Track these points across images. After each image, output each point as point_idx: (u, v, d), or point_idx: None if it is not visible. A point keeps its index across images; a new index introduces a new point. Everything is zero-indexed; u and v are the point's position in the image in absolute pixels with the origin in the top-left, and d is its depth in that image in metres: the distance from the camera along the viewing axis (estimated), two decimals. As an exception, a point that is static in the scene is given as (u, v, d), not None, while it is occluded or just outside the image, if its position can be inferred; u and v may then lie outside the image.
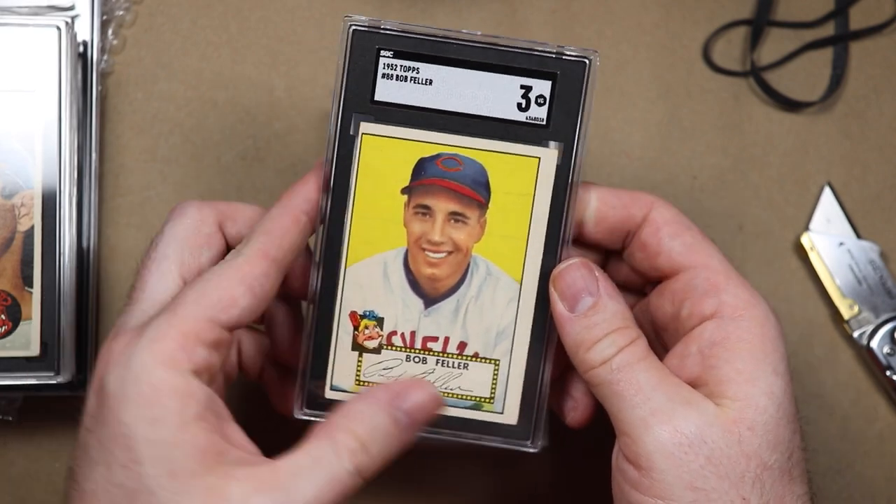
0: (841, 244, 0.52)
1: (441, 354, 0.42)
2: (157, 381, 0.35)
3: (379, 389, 0.38)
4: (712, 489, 0.36)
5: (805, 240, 0.53)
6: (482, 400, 0.42)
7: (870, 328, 0.52)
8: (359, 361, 0.42)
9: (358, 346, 0.42)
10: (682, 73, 0.54)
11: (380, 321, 0.42)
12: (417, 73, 0.41)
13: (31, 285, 0.46)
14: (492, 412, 0.42)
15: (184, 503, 0.33)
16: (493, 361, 0.42)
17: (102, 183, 0.51)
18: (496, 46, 0.41)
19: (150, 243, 0.41)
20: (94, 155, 0.50)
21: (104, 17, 0.52)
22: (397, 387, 0.38)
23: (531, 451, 0.42)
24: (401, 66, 0.41)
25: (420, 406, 0.38)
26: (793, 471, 0.37)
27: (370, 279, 0.41)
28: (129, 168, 0.52)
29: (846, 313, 0.52)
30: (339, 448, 0.35)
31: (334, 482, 0.35)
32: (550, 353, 0.42)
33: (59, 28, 0.47)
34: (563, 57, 0.41)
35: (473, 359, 0.42)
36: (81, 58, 0.50)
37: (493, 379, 0.42)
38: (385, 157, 0.41)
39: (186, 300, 0.36)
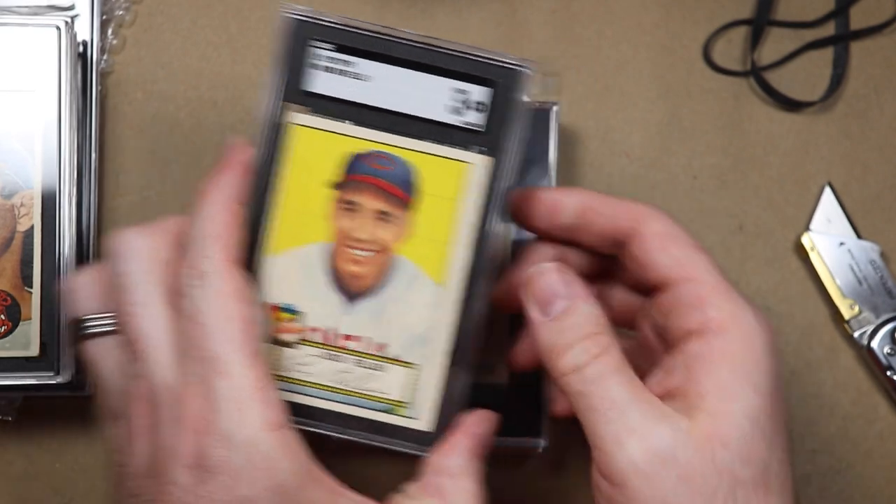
0: (841, 244, 0.52)
1: (359, 354, 0.41)
2: (266, 449, 0.35)
3: (465, 437, 0.40)
4: None
5: (805, 240, 0.53)
6: (397, 404, 0.41)
7: (870, 328, 0.52)
8: (274, 356, 0.41)
9: (274, 340, 0.41)
10: (682, 73, 0.54)
11: (299, 316, 0.41)
12: (354, 67, 0.40)
13: (30, 285, 0.46)
14: (406, 417, 0.41)
15: None
16: (410, 365, 0.41)
17: (102, 183, 0.51)
18: (436, 48, 0.40)
19: (114, 287, 0.39)
20: (93, 155, 0.50)
21: (104, 17, 0.52)
22: (477, 429, 0.40)
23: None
24: (338, 59, 0.40)
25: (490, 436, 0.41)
26: (770, 483, 0.36)
27: (291, 272, 0.41)
28: (128, 168, 0.52)
29: (846, 313, 0.52)
30: None
31: None
32: (468, 361, 0.41)
33: (58, 28, 0.47)
34: (502, 64, 0.40)
35: (391, 361, 0.41)
36: (81, 58, 0.50)
37: (410, 383, 0.41)
38: (316, 149, 0.40)
39: (222, 350, 0.36)
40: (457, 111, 0.40)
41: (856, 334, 0.52)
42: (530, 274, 0.40)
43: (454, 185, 0.41)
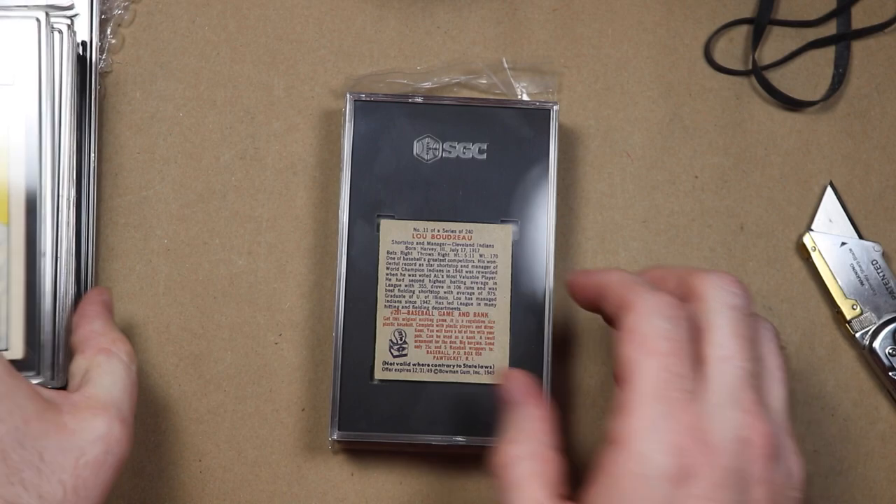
0: (843, 244, 0.52)
1: None
2: None
3: (92, 305, 0.46)
4: None
5: (807, 240, 0.52)
6: None
7: (872, 328, 0.52)
8: None
9: None
10: (683, 72, 0.54)
11: None
12: None
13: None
14: None
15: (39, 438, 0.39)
16: None
17: (101, 183, 0.51)
18: None
19: None
20: (92, 154, 0.50)
21: (103, 17, 0.51)
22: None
23: (39, 381, 0.45)
24: None
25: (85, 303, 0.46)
26: None
27: None
28: (127, 168, 0.51)
29: (848, 314, 0.52)
30: None
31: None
32: (48, 285, 0.45)
33: (38, 20, 0.47)
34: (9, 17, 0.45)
35: None
36: (80, 58, 0.50)
37: None
38: None
39: None
40: None
41: (857, 335, 0.52)
42: (505, 372, 0.44)
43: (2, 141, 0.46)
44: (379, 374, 0.48)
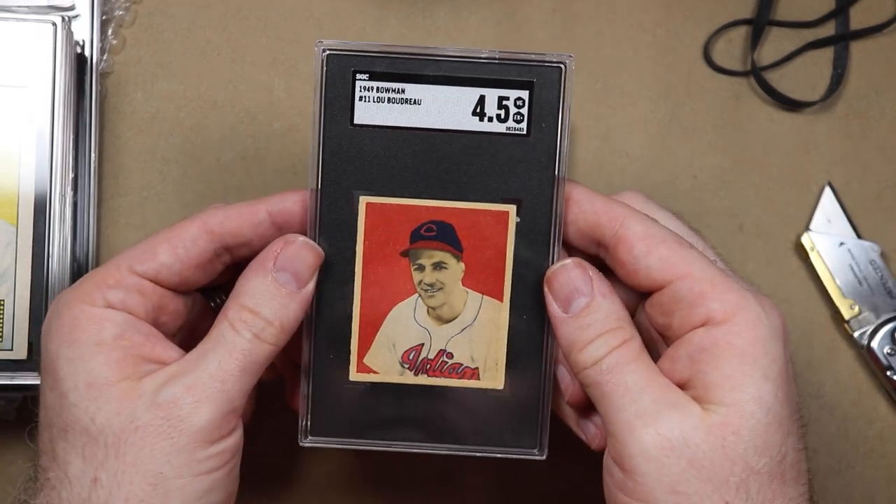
0: (841, 244, 0.52)
1: None
2: (75, 312, 0.38)
3: (253, 260, 0.39)
4: (694, 493, 0.36)
5: (805, 240, 0.53)
6: None
7: (870, 328, 0.52)
8: None
9: None
10: (682, 73, 0.54)
11: None
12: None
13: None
14: (1, 350, 0.46)
15: (102, 407, 0.36)
16: None
17: (102, 183, 0.51)
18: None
19: None
20: (93, 155, 0.50)
21: (104, 17, 0.51)
22: (265, 252, 0.39)
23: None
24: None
25: (291, 259, 0.39)
26: (786, 473, 0.37)
27: None
28: (128, 168, 0.52)
29: (847, 313, 0.52)
30: (233, 323, 0.38)
31: (236, 352, 0.38)
32: (51, 288, 0.45)
33: (54, 24, 0.47)
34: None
35: None
36: (79, 57, 0.50)
37: (0, 318, 0.45)
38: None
39: (119, 254, 0.40)
40: None
41: (856, 334, 0.52)
42: (552, 270, 0.40)
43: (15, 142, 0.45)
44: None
